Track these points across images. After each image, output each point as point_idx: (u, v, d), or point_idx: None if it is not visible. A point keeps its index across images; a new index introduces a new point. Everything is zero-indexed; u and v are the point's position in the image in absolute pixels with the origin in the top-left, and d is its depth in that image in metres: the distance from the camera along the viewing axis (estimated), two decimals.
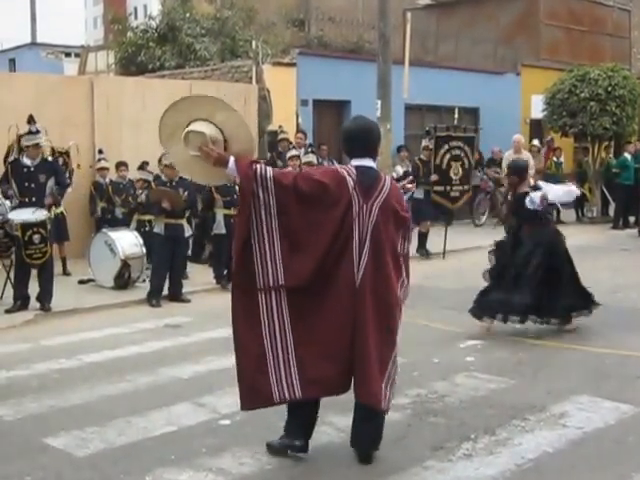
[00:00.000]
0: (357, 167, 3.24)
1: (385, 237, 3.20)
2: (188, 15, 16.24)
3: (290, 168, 8.81)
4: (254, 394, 3.27)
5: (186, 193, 7.25)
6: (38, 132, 6.64)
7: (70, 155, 8.43)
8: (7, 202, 6.75)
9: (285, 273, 3.16)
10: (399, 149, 12.59)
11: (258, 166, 3.20)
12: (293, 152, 9.02)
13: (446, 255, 9.73)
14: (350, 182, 3.18)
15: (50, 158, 7.24)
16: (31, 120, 6.62)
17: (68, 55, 21.99)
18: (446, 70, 13.97)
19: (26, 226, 6.42)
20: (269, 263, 3.16)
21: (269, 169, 3.22)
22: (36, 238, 6.46)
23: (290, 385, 3.23)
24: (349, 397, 4.28)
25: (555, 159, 13.60)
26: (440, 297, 7.36)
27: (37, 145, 6.61)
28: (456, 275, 8.43)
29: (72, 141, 8.55)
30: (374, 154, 3.30)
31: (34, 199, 6.57)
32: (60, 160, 8.15)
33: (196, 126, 3.30)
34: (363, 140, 3.26)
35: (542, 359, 5.14)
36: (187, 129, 3.32)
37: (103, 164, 8.96)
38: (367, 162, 3.27)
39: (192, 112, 3.35)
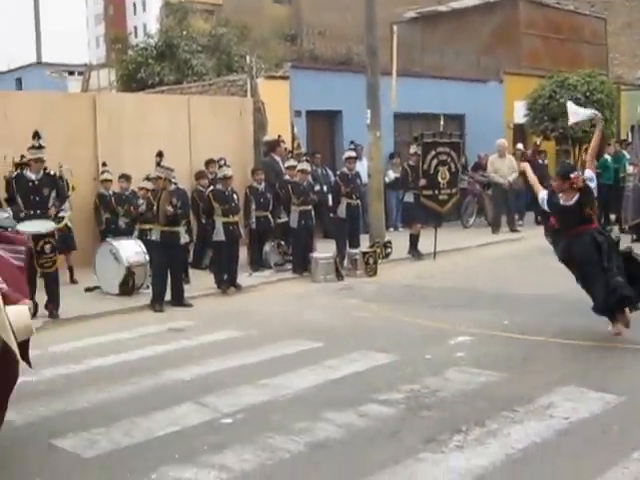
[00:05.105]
0: None
1: None
2: (185, 33, 16.62)
3: (287, 177, 9.21)
4: None
5: (179, 202, 7.41)
6: (42, 147, 6.79)
7: (64, 179, 8.01)
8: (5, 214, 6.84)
9: None
10: (392, 156, 12.89)
11: None
12: (291, 162, 9.34)
13: (436, 256, 9.89)
14: None
15: (52, 172, 7.33)
16: (36, 135, 6.78)
17: (72, 74, 21.95)
18: (432, 80, 14.19)
19: (37, 237, 6.61)
20: None
21: None
22: (47, 248, 6.71)
23: None
24: (345, 394, 4.44)
25: (540, 161, 13.90)
26: (430, 296, 7.50)
27: (40, 159, 6.77)
28: (446, 275, 8.58)
29: (65, 165, 8.13)
30: None
31: (39, 211, 6.77)
32: None
33: None
34: None
35: (529, 353, 5.27)
36: None
37: (106, 176, 9.10)
38: None
39: None
